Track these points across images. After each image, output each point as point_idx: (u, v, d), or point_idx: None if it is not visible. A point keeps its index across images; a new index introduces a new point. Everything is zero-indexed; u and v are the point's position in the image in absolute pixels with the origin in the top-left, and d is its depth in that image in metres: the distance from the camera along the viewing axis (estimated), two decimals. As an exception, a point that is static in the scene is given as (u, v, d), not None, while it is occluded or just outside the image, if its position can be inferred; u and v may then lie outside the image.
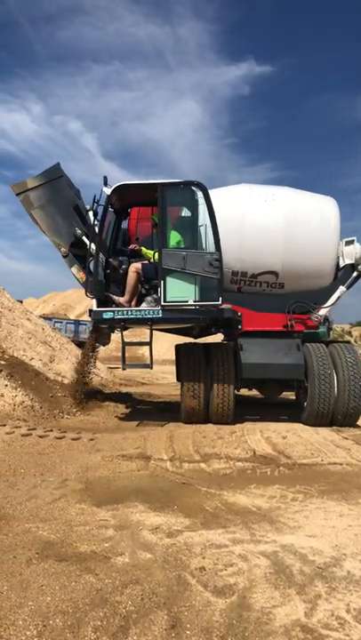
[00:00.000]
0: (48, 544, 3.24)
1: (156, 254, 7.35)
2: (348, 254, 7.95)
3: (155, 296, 7.32)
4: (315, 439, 6.56)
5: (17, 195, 7.84)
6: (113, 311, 7.21)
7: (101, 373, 12.48)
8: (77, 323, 22.35)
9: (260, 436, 6.66)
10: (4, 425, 6.73)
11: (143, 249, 7.60)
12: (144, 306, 7.39)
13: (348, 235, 8.08)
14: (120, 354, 7.56)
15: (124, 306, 7.31)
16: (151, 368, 7.53)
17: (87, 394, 8.83)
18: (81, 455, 5.64)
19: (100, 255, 7.46)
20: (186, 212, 7.59)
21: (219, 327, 8.69)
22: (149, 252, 7.52)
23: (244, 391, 8.89)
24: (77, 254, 7.74)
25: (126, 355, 7.47)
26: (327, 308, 8.10)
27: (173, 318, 7.23)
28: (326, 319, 8.27)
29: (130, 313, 7.19)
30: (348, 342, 8.35)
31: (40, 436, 6.26)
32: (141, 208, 8.52)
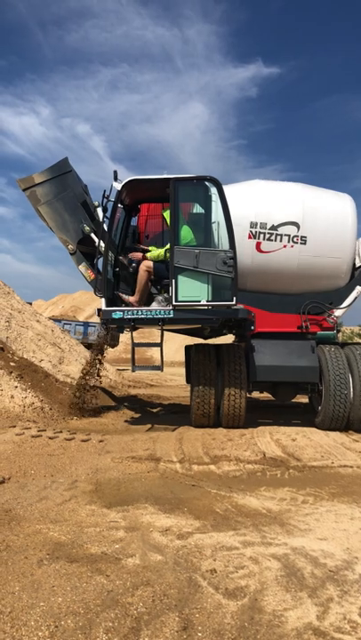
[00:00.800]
0: (59, 545, 3.25)
1: (158, 251, 7.21)
2: None
3: (166, 295, 7.10)
4: (325, 442, 6.53)
5: (23, 190, 7.68)
6: (122, 311, 6.99)
7: (110, 375, 12.51)
8: (86, 324, 22.43)
9: (270, 438, 6.64)
10: (14, 426, 6.77)
11: (149, 254, 7.37)
12: (155, 305, 7.18)
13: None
14: (129, 355, 7.36)
15: (133, 305, 7.13)
16: (161, 370, 7.31)
17: (97, 395, 8.84)
18: (91, 457, 5.65)
19: (110, 253, 7.28)
20: (199, 208, 7.37)
21: (231, 328, 8.48)
22: (156, 252, 7.30)
23: (255, 394, 8.73)
24: (85, 252, 7.58)
25: (136, 356, 7.29)
26: (343, 309, 7.88)
27: (185, 319, 7.02)
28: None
29: (140, 313, 6.96)
30: None
31: (50, 438, 6.27)
32: (152, 204, 8.33)
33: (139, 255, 7.36)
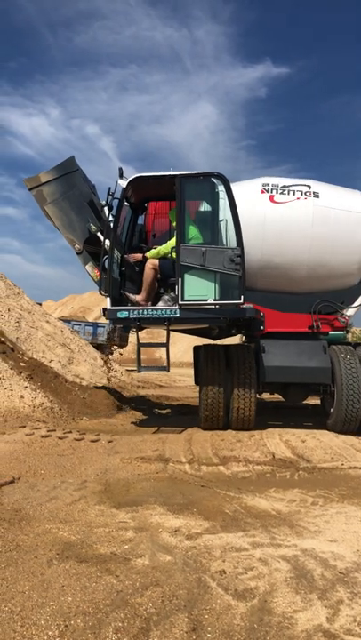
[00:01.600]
0: (68, 545, 3.26)
1: (158, 248, 7.11)
2: None
3: (172, 294, 6.99)
4: (334, 443, 6.50)
5: (30, 189, 7.60)
6: (128, 310, 6.88)
7: (119, 375, 12.54)
8: (95, 325, 22.51)
9: (279, 439, 6.63)
10: (24, 426, 6.81)
11: (148, 252, 7.24)
12: (161, 305, 7.08)
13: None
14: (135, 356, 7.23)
15: (140, 304, 7.01)
16: (168, 371, 7.20)
17: (105, 396, 8.87)
18: (100, 457, 5.66)
19: (116, 252, 7.16)
20: (205, 205, 7.25)
21: (240, 328, 8.34)
22: (155, 250, 7.17)
23: (264, 395, 8.59)
24: (92, 251, 7.47)
25: (144, 357, 7.19)
26: (355, 309, 7.71)
27: (192, 318, 6.90)
28: None
29: (146, 312, 6.85)
30: None
31: (59, 438, 6.30)
32: (159, 203, 8.22)
33: (138, 256, 7.28)
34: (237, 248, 6.57)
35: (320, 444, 6.38)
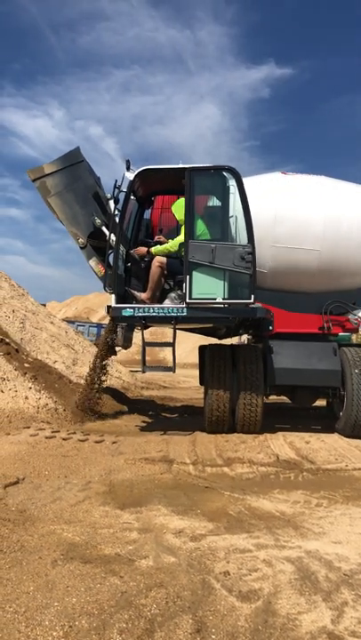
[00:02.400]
0: (73, 546, 3.26)
1: (164, 245, 6.94)
2: None
3: (179, 292, 6.76)
4: (339, 444, 6.49)
5: (33, 181, 7.32)
6: (133, 308, 6.64)
7: (123, 376, 12.55)
8: (100, 326, 22.57)
9: (284, 440, 6.61)
10: (29, 427, 6.81)
11: (153, 248, 7.00)
12: (167, 303, 6.85)
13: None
14: (140, 356, 7.04)
15: (145, 302, 6.78)
16: (174, 371, 6.93)
17: (109, 397, 8.87)
18: (104, 458, 5.67)
19: (121, 247, 6.90)
20: (215, 200, 7.01)
21: (247, 328, 8.11)
22: (161, 247, 6.98)
23: (273, 398, 8.47)
24: (96, 246, 7.18)
25: (148, 358, 7.05)
26: None
27: (199, 317, 6.67)
28: None
29: (151, 310, 6.61)
30: None
31: (63, 439, 6.31)
32: (166, 197, 7.98)
33: (143, 250, 7.09)
34: (248, 245, 6.34)
35: (324, 446, 6.37)
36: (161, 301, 6.92)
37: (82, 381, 9.28)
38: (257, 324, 7.52)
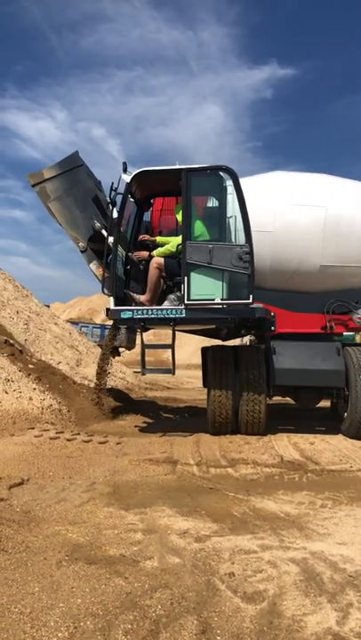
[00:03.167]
0: (77, 547, 3.26)
1: (165, 246, 6.91)
2: None
3: (178, 294, 6.71)
4: (343, 445, 6.47)
5: (33, 186, 7.33)
6: (132, 310, 6.61)
7: (127, 377, 12.57)
8: (103, 327, 22.56)
9: (288, 441, 6.60)
10: (33, 428, 6.83)
11: (155, 251, 6.96)
12: (166, 304, 6.83)
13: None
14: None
15: (144, 304, 6.75)
16: (173, 374, 6.90)
17: (113, 398, 8.88)
18: (108, 459, 5.67)
19: (120, 249, 6.82)
20: (213, 201, 6.99)
21: (249, 329, 8.02)
22: (162, 249, 6.94)
23: (276, 398, 8.28)
24: (97, 249, 7.16)
25: (152, 359, 7.17)
26: None
27: (198, 318, 6.63)
28: None
29: (150, 312, 6.58)
30: None
31: (68, 440, 6.32)
32: (165, 198, 7.96)
33: (144, 254, 7.06)
34: (246, 245, 6.32)
35: (329, 447, 6.35)
36: (160, 303, 6.90)
37: (86, 382, 9.31)
38: (258, 325, 7.46)
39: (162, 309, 6.66)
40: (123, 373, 12.65)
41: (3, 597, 2.59)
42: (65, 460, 5.51)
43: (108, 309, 6.76)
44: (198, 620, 2.44)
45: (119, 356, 8.75)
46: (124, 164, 6.83)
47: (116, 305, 6.68)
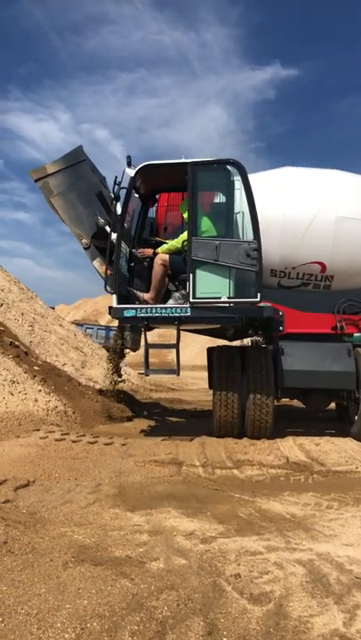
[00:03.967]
0: (83, 548, 3.27)
1: (171, 243, 6.74)
2: None
3: (183, 292, 6.51)
4: (349, 446, 6.45)
5: (35, 181, 7.12)
6: (135, 308, 6.41)
7: (132, 379, 12.57)
8: (108, 328, 22.60)
9: (293, 442, 6.59)
10: (38, 430, 6.84)
11: (160, 248, 6.77)
12: (171, 303, 6.64)
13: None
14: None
15: (148, 303, 6.56)
16: (178, 375, 6.70)
17: (118, 400, 8.89)
18: (113, 460, 5.68)
19: (124, 246, 6.62)
20: (219, 195, 6.77)
21: (257, 328, 7.83)
22: (166, 246, 6.76)
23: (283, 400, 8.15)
24: (100, 246, 6.96)
25: (156, 360, 7.07)
26: None
27: (204, 317, 6.40)
28: None
29: (154, 311, 6.38)
30: None
31: (73, 441, 6.33)
32: (171, 194, 7.77)
33: (149, 252, 6.90)
34: (254, 241, 6.10)
35: (334, 448, 6.34)
36: (165, 302, 6.73)
37: (91, 384, 9.33)
38: (266, 325, 7.26)
39: (166, 308, 6.47)
40: (128, 375, 12.65)
41: (9, 599, 2.60)
42: (70, 462, 5.52)
43: (110, 308, 6.59)
44: (205, 622, 2.44)
45: (124, 357, 8.72)
46: (129, 157, 6.67)
47: (118, 303, 6.49)
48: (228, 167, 6.43)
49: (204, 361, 8.84)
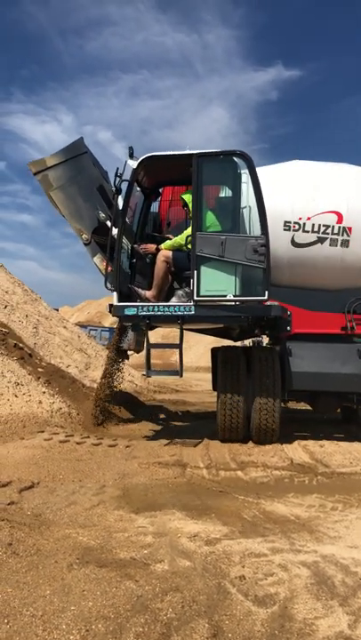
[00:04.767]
0: (88, 550, 3.27)
1: (175, 239, 6.52)
2: None
3: (187, 289, 6.26)
4: (353, 448, 6.44)
5: (34, 174, 6.83)
6: (137, 306, 6.14)
7: (136, 381, 12.58)
8: (112, 330, 22.64)
9: (298, 444, 6.57)
10: (43, 431, 6.85)
11: (163, 244, 6.54)
12: (174, 301, 6.38)
13: None
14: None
15: (150, 301, 6.32)
16: (180, 376, 6.38)
17: (122, 401, 8.89)
18: (118, 462, 5.68)
19: (125, 242, 6.37)
20: (226, 188, 6.51)
21: (263, 328, 7.43)
22: (170, 242, 6.54)
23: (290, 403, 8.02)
24: (101, 242, 6.69)
25: (159, 361, 7.02)
26: None
27: (208, 316, 6.12)
28: None
29: (156, 309, 6.11)
30: None
31: (77, 443, 6.34)
32: (175, 188, 7.43)
33: (151, 247, 6.64)
34: (262, 237, 5.82)
35: (339, 449, 6.32)
36: (168, 300, 6.50)
37: (95, 385, 9.33)
38: (273, 324, 6.91)
39: (169, 306, 6.18)
40: (132, 376, 12.67)
41: (15, 600, 2.61)
42: (75, 464, 5.53)
43: (110, 305, 6.35)
44: (209, 624, 2.44)
45: (127, 359, 8.63)
46: (130, 148, 6.37)
47: (119, 301, 6.25)
48: (235, 159, 6.20)
49: (208, 362, 8.73)
